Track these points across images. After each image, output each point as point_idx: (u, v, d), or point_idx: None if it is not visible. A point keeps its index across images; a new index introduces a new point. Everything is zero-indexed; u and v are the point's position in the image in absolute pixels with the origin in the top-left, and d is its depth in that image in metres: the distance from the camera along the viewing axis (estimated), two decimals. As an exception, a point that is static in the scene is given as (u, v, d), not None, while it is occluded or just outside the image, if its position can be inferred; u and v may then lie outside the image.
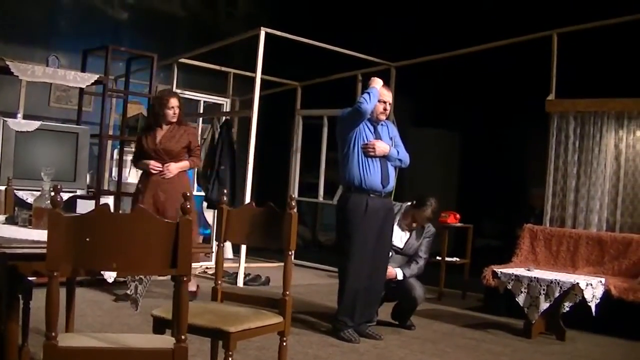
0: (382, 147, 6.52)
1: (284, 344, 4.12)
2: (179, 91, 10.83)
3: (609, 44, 9.69)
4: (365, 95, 6.46)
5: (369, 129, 6.58)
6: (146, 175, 7.54)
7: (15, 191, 5.38)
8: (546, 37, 9.07)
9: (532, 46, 9.40)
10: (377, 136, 6.59)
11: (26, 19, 10.65)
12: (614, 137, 8.59)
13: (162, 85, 11.56)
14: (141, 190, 7.53)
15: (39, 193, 4.22)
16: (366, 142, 6.51)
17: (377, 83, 6.60)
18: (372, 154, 6.48)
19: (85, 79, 8.41)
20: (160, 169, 7.44)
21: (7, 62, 8.38)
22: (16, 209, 4.32)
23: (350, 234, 6.51)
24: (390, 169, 6.64)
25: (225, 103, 11.63)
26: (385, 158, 6.57)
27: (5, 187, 5.26)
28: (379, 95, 6.53)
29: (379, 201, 6.55)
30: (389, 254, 6.83)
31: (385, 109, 6.61)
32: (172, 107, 7.45)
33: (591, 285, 6.81)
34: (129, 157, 9.93)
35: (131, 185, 9.79)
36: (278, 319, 4.05)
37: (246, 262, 9.44)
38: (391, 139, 6.71)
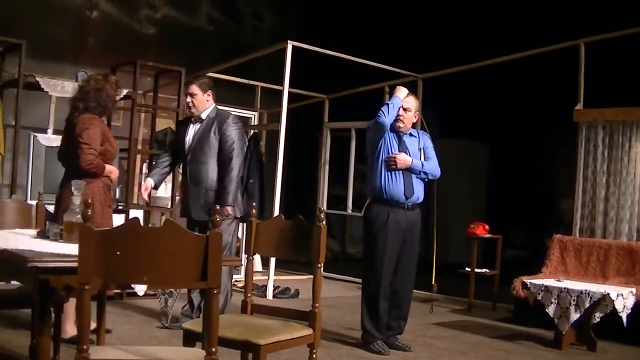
0: (403, 160, 6.43)
1: (314, 356, 4.12)
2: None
3: (637, 53, 9.62)
4: (384, 108, 6.42)
5: (395, 140, 6.52)
6: None
7: (46, 206, 5.43)
8: (573, 46, 9.03)
9: (559, 56, 9.36)
10: (403, 147, 6.52)
11: (55, 36, 10.76)
12: (644, 146, 8.52)
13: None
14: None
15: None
16: (389, 153, 6.46)
17: (400, 92, 6.55)
18: (393, 167, 6.43)
19: (114, 94, 8.46)
20: None
21: (37, 78, 8.48)
22: (47, 223, 4.35)
23: (372, 244, 6.51)
24: (415, 180, 6.53)
25: (253, 116, 11.65)
26: (408, 170, 6.49)
27: (36, 201, 5.30)
28: (400, 104, 6.48)
29: (402, 213, 6.48)
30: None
31: (400, 115, 6.49)
32: None
33: (622, 295, 6.75)
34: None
35: (160, 199, 9.83)
36: (308, 332, 4.06)
37: (275, 274, 9.43)
38: (420, 150, 6.63)
